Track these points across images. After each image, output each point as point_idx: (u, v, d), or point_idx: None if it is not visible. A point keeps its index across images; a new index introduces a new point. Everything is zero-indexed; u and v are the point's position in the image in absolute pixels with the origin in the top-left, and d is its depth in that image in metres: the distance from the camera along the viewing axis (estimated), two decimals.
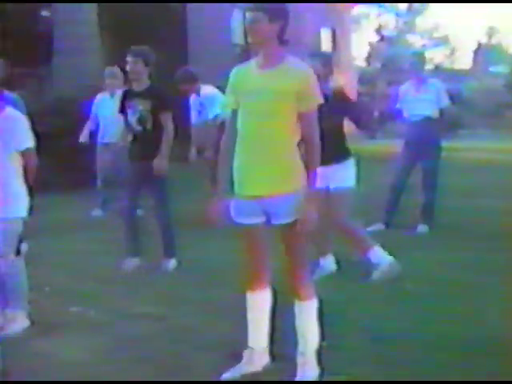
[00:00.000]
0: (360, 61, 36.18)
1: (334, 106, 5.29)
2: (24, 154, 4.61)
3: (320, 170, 5.09)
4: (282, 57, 3.56)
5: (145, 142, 6.05)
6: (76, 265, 6.41)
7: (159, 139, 6.00)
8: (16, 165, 4.61)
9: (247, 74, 3.64)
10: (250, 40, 3.56)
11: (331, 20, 18.94)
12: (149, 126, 6.04)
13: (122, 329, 4.66)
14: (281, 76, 3.52)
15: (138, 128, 6.08)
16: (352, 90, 17.55)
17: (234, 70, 3.71)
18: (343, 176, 5.52)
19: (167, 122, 6.04)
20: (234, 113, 3.65)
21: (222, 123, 7.61)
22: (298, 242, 3.59)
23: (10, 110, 4.67)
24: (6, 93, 4.83)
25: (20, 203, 4.64)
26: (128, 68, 6.10)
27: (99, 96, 8.99)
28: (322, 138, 4.98)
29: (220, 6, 14.16)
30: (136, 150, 6.15)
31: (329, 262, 5.78)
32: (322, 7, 17.77)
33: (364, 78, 27.80)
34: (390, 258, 5.60)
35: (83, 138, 8.90)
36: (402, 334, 4.28)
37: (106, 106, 8.61)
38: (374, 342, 4.16)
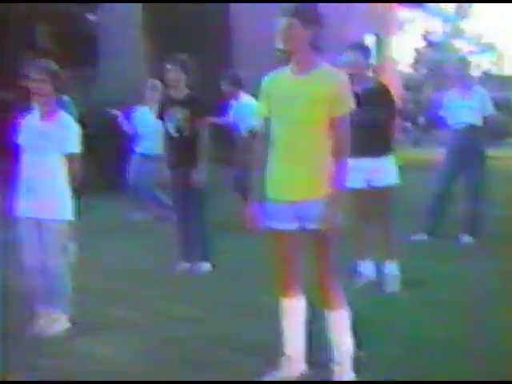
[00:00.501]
0: (405, 67, 35.86)
1: (376, 99, 5.29)
2: (69, 158, 4.69)
3: (361, 165, 5.05)
4: (315, 63, 3.56)
5: (183, 149, 6.15)
6: (118, 267, 6.49)
7: (197, 146, 6.09)
8: (63, 168, 4.70)
9: (280, 81, 3.64)
10: (283, 46, 3.55)
11: (375, 25, 18.82)
12: (186, 133, 6.14)
13: (161, 330, 4.71)
14: (314, 82, 3.51)
15: (176, 135, 6.17)
16: (396, 96, 17.38)
17: (267, 77, 3.71)
18: (385, 173, 5.48)
19: (203, 130, 6.12)
20: (267, 119, 3.66)
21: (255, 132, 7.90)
22: (326, 249, 3.57)
23: (61, 115, 4.77)
24: (60, 97, 4.92)
25: (67, 206, 4.73)
26: (167, 75, 6.19)
27: (139, 109, 9.11)
28: (361, 130, 5.06)
29: (264, 9, 14.18)
30: (174, 156, 6.25)
31: (368, 269, 5.71)
32: (366, 12, 17.67)
33: (409, 84, 27.56)
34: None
35: (128, 128, 9.07)
36: (441, 344, 4.24)
37: (145, 119, 8.77)
38: (412, 351, 4.12)
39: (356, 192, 5.34)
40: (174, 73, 6.13)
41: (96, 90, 11.59)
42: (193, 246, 6.32)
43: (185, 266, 6.29)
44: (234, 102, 8.22)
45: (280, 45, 3.57)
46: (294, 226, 3.60)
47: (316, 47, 3.55)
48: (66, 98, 6.53)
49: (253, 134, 7.43)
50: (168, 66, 6.17)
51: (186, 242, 6.34)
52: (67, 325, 4.75)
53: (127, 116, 9.25)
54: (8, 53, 14.63)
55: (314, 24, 3.52)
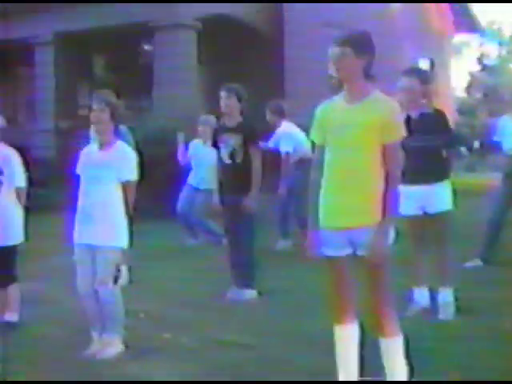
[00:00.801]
0: (460, 91, 35.46)
1: (432, 124, 5.27)
2: (126, 185, 4.81)
3: (416, 191, 5.01)
4: (367, 91, 3.60)
5: (235, 176, 6.23)
6: (170, 292, 6.55)
7: (249, 173, 6.17)
8: (120, 196, 4.81)
9: (334, 109, 3.69)
10: (336, 75, 3.60)
11: (430, 49, 18.70)
12: (239, 160, 6.21)
13: (212, 356, 4.73)
14: (366, 110, 3.55)
15: (229, 161, 6.26)
16: (450, 120, 17.19)
17: (321, 106, 3.77)
18: (440, 199, 5.41)
19: (256, 157, 6.20)
20: (321, 147, 3.70)
21: (300, 160, 8.03)
22: (381, 275, 3.57)
23: (119, 144, 4.90)
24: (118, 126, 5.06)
25: (122, 233, 4.82)
26: (221, 103, 6.31)
27: (194, 142, 9.24)
28: (417, 156, 5.02)
29: (317, 36, 14.28)
30: (227, 183, 6.34)
31: (422, 296, 5.61)
32: (421, 36, 17.59)
33: (463, 109, 27.23)
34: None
35: (183, 159, 9.22)
36: (496, 373, 4.13)
37: (198, 153, 8.91)
38: (467, 379, 4.04)
39: (411, 219, 5.32)
40: (227, 101, 6.25)
41: (151, 119, 11.80)
42: (241, 273, 6.35)
43: (235, 291, 6.32)
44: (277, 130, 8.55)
45: (333, 73, 3.61)
46: (347, 252, 3.62)
47: (369, 75, 3.60)
48: (123, 127, 6.69)
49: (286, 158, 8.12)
50: (222, 94, 6.29)
51: (236, 267, 6.38)
52: (120, 348, 4.82)
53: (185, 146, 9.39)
54: (68, 83, 15.05)
55: (366, 52, 3.57)
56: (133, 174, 4.84)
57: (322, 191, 3.67)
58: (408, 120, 5.16)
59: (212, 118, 8.85)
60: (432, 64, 18.90)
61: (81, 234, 4.83)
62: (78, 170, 4.95)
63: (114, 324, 4.83)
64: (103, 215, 4.75)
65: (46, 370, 4.55)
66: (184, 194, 9.13)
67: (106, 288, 4.77)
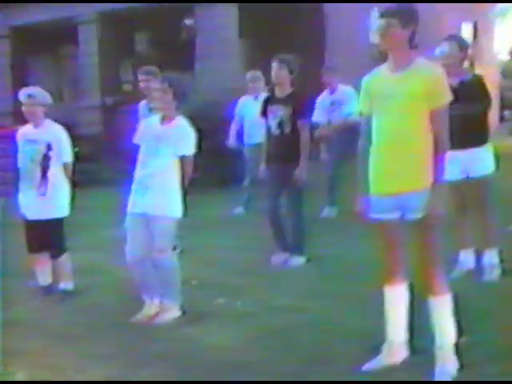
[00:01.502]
0: (504, 54, 34.79)
1: (472, 91, 5.31)
2: (184, 160, 4.99)
3: (458, 157, 5.10)
4: (412, 59, 3.70)
5: (282, 146, 6.34)
6: (221, 259, 6.73)
7: (296, 143, 6.28)
8: (177, 168, 4.99)
9: (379, 79, 3.80)
10: (382, 45, 3.72)
11: (473, 13, 18.40)
12: (287, 130, 6.31)
13: (265, 319, 4.90)
14: (411, 78, 3.66)
15: (277, 132, 6.36)
16: (493, 84, 16.97)
17: (366, 76, 3.88)
18: (482, 163, 5.50)
19: (304, 128, 6.30)
20: (369, 116, 3.82)
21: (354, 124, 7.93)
22: (430, 237, 3.69)
23: (180, 120, 5.07)
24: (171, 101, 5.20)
25: (177, 204, 5.00)
26: (273, 73, 6.41)
27: (243, 99, 9.33)
28: (457, 122, 5.07)
29: (357, 5, 14.21)
30: (274, 152, 6.45)
31: (468, 258, 5.70)
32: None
33: (507, 72, 26.74)
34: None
35: (231, 142, 9.33)
36: None
37: (251, 109, 8.89)
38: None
39: (454, 183, 5.38)
40: (278, 71, 6.34)
41: (194, 94, 11.94)
42: (285, 239, 6.48)
43: (281, 257, 6.46)
44: (321, 97, 8.62)
45: (379, 44, 3.71)
46: (396, 215, 3.74)
47: (413, 44, 3.70)
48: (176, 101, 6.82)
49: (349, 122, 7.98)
50: (273, 65, 6.38)
51: (278, 234, 6.51)
52: (177, 314, 5.02)
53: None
54: (111, 60, 15.29)
55: (411, 23, 3.67)
56: (190, 150, 5.01)
57: (370, 158, 3.78)
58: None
59: (259, 74, 8.90)
60: (475, 28, 18.61)
61: (135, 203, 5.01)
62: (137, 140, 5.13)
63: (171, 290, 5.03)
64: (160, 186, 4.93)
65: (103, 334, 4.80)
66: (246, 157, 9.16)
67: (165, 255, 4.95)
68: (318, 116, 8.52)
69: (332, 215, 8.50)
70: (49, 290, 5.89)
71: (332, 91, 8.67)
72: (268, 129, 6.50)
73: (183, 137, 5.00)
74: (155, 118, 5.17)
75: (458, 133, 5.16)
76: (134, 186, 5.06)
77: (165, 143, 4.95)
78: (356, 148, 3.97)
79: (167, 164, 4.96)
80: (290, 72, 6.33)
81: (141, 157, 5.06)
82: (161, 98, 5.04)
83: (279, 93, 6.43)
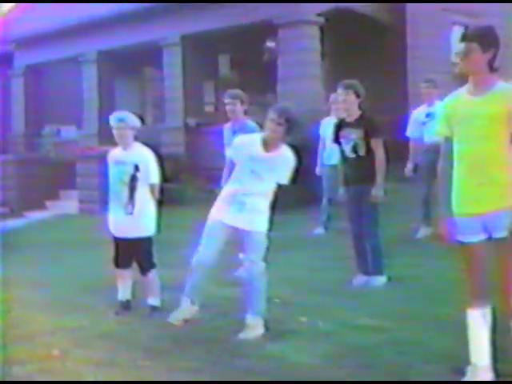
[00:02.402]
0: None
1: None
2: (278, 186, 5.21)
3: None
4: (493, 83, 3.74)
5: (359, 168, 6.46)
6: (302, 278, 6.84)
7: (372, 164, 6.37)
8: (273, 193, 5.20)
9: (459, 102, 3.85)
10: (462, 68, 3.78)
11: None
12: (362, 152, 6.43)
13: (347, 338, 4.96)
14: (491, 101, 3.69)
15: (352, 155, 6.47)
16: None
17: (447, 99, 3.94)
18: None
19: (378, 148, 6.37)
20: (449, 139, 3.87)
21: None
22: None
23: (284, 149, 5.16)
24: (247, 121, 5.35)
25: (264, 219, 5.19)
26: (340, 100, 6.54)
27: (325, 120, 9.45)
28: None
29: (437, 23, 14.14)
30: (351, 175, 6.56)
31: None
32: None
33: None
34: None
35: (318, 170, 9.47)
36: None
37: (331, 130, 8.99)
38: None
39: None
40: (345, 97, 6.49)
41: None
42: (367, 261, 6.53)
43: (362, 279, 6.51)
44: (416, 112, 8.62)
45: (460, 67, 3.77)
46: (482, 237, 3.76)
47: (493, 68, 3.74)
48: (251, 122, 6.98)
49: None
50: (339, 91, 6.52)
51: (361, 256, 6.57)
52: (262, 331, 5.12)
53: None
54: (195, 82, 15.66)
55: (492, 46, 3.72)
56: (287, 178, 5.19)
57: (454, 181, 3.82)
58: None
59: None
60: None
61: (228, 215, 5.17)
62: (235, 157, 5.29)
63: (258, 304, 5.13)
64: (257, 205, 5.13)
65: (190, 349, 4.93)
66: (325, 177, 9.29)
67: (257, 266, 5.14)
68: (411, 130, 8.55)
69: (427, 235, 8.28)
70: (127, 305, 6.11)
71: (429, 104, 8.54)
72: (342, 152, 6.61)
73: (285, 168, 5.14)
74: (258, 141, 5.15)
75: None
76: (226, 199, 5.21)
77: (269, 172, 5.10)
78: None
79: (267, 188, 5.15)
80: (357, 96, 6.43)
81: (238, 173, 5.21)
82: (275, 131, 5.05)
83: (348, 117, 6.56)
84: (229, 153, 5.95)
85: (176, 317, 5.28)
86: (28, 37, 17.92)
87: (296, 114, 5.20)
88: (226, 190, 5.28)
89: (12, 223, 13.71)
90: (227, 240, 5.22)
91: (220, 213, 5.23)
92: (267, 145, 5.12)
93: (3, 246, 10.21)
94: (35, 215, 14.98)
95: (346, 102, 6.52)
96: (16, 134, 19.70)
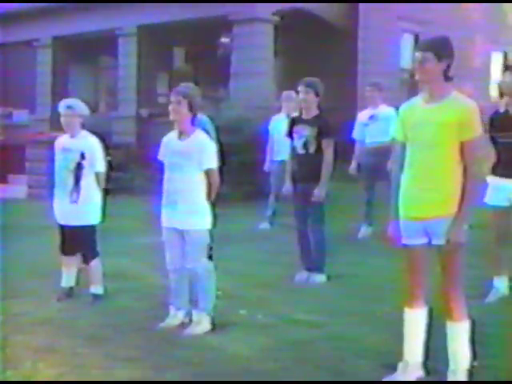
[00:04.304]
0: None
1: None
2: (208, 173, 5.13)
3: (504, 184, 5.23)
4: (447, 92, 3.88)
5: (307, 165, 6.56)
6: (245, 272, 6.92)
7: (320, 163, 6.49)
8: (202, 182, 5.14)
9: (414, 109, 3.99)
10: (417, 77, 3.90)
11: (503, 42, 18.43)
12: (312, 150, 6.54)
13: (284, 332, 5.07)
14: (444, 110, 3.83)
15: (302, 152, 6.59)
16: None
17: (403, 106, 4.08)
18: None
19: (328, 148, 6.51)
20: (403, 144, 4.01)
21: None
22: (452, 263, 3.86)
23: (198, 133, 5.21)
24: (198, 115, 5.39)
25: (205, 216, 5.17)
26: (300, 97, 6.63)
27: (275, 117, 9.57)
28: (506, 150, 5.26)
29: (388, 29, 14.41)
30: (299, 172, 6.68)
31: (502, 284, 5.75)
32: (493, 29, 17.37)
33: None
34: None
35: (267, 167, 9.57)
36: None
37: (280, 126, 9.11)
38: None
39: (498, 210, 5.55)
40: (305, 95, 6.57)
41: (227, 109, 12.20)
42: (310, 257, 6.67)
43: (304, 274, 6.65)
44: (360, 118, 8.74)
45: (415, 75, 3.90)
46: (423, 241, 3.91)
47: (448, 76, 3.87)
48: (203, 116, 7.03)
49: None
50: (300, 89, 6.61)
51: (304, 253, 6.70)
52: (208, 328, 5.14)
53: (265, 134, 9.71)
54: (149, 72, 15.64)
55: (447, 56, 3.85)
56: (213, 163, 5.14)
57: (402, 184, 3.97)
58: (499, 116, 5.47)
59: (293, 93, 9.07)
60: (505, 57, 18.63)
61: (168, 219, 5.20)
62: (161, 157, 5.29)
63: (204, 300, 5.17)
64: (187, 201, 5.09)
65: (130, 337, 5.01)
66: (275, 172, 9.31)
67: (198, 264, 5.12)
68: (356, 132, 8.74)
69: (367, 235, 8.52)
70: (70, 293, 6.15)
71: (374, 107, 8.70)
72: (293, 148, 6.72)
73: (204, 151, 5.11)
74: (173, 134, 5.24)
75: (505, 161, 5.36)
76: (163, 201, 5.24)
77: (186, 159, 5.07)
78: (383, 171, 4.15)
79: (191, 179, 5.08)
80: (317, 95, 6.55)
81: (166, 172, 5.20)
82: (175, 112, 5.09)
83: (305, 115, 6.65)
84: None
85: (165, 324, 5.26)
86: None
87: (193, 90, 5.28)
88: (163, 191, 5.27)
89: None
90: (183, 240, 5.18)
91: (162, 217, 5.26)
92: (181, 133, 5.15)
93: None
94: None
95: (305, 100, 6.59)
96: None
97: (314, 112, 6.60)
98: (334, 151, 6.57)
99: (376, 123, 8.52)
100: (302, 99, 6.62)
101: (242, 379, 4.19)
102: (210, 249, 5.24)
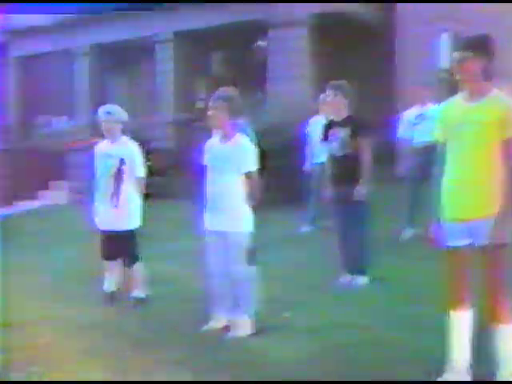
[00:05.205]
0: None
1: None
2: (247, 176, 5.14)
3: None
4: (486, 90, 3.82)
5: (345, 167, 6.53)
6: (288, 275, 6.91)
7: (359, 164, 6.47)
8: (242, 186, 5.15)
9: (454, 108, 3.95)
10: (457, 77, 3.86)
11: None
12: (349, 151, 6.51)
13: (327, 335, 5.02)
14: (484, 108, 3.78)
15: (340, 154, 6.57)
16: None
17: (442, 105, 4.06)
18: None
19: (365, 148, 6.47)
20: (443, 144, 3.97)
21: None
22: (496, 264, 3.79)
23: (238, 137, 5.23)
24: (238, 119, 5.41)
25: (247, 219, 5.18)
26: (329, 100, 6.63)
27: (313, 119, 9.53)
28: None
29: (426, 29, 14.24)
30: (337, 174, 6.64)
31: None
32: None
33: None
34: None
35: (307, 169, 9.55)
36: None
37: (319, 129, 9.07)
38: None
39: None
40: (334, 98, 6.58)
41: (265, 113, 12.19)
42: (352, 260, 6.62)
43: (346, 277, 6.60)
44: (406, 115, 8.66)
45: (456, 76, 3.85)
46: (466, 242, 3.85)
47: (488, 76, 3.82)
48: (242, 120, 7.04)
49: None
50: (328, 92, 6.62)
51: (346, 255, 6.65)
52: (249, 331, 5.13)
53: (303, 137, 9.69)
54: (186, 78, 15.72)
55: (487, 55, 3.80)
56: (253, 166, 5.16)
57: (444, 185, 3.92)
58: None
59: None
60: None
61: (211, 222, 5.22)
62: (204, 161, 5.33)
63: (246, 304, 5.16)
64: (228, 204, 5.12)
65: (171, 341, 5.04)
66: (314, 176, 9.30)
67: (240, 267, 5.12)
68: (402, 131, 8.65)
69: (409, 237, 8.35)
70: (113, 297, 6.19)
71: (421, 105, 8.57)
72: (330, 151, 6.71)
73: (244, 154, 5.13)
74: (215, 138, 5.30)
75: None
76: (206, 204, 5.26)
77: (227, 162, 5.11)
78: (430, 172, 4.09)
79: (232, 182, 5.11)
80: (345, 96, 6.54)
81: (208, 176, 5.24)
82: (215, 116, 5.14)
83: (337, 117, 6.66)
84: None
85: (208, 327, 5.26)
86: (22, 28, 17.92)
87: (233, 94, 5.28)
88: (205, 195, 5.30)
89: (1, 212, 13.75)
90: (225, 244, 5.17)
91: (206, 220, 5.28)
92: (222, 137, 5.20)
93: None
94: (25, 205, 15.01)
95: (333, 103, 6.62)
96: (8, 124, 19.67)
97: (345, 113, 6.59)
98: (371, 151, 6.51)
99: (424, 122, 8.38)
100: (331, 102, 6.64)
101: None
102: (253, 252, 5.22)
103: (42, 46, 18.05)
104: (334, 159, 6.67)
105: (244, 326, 5.14)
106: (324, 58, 14.52)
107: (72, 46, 17.27)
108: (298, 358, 4.60)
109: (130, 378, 4.35)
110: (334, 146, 6.60)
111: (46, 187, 16.09)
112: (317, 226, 9.33)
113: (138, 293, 6.13)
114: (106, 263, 6.24)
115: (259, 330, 5.14)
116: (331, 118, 6.95)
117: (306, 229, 9.45)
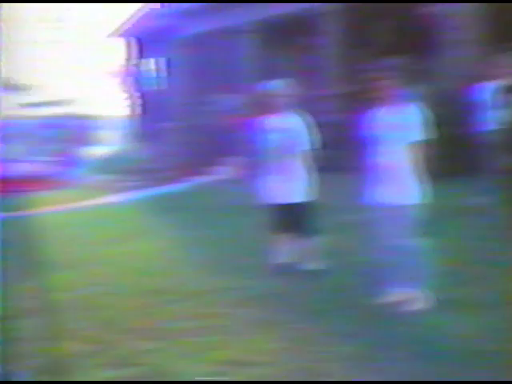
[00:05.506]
0: None
1: None
2: (415, 146, 5.02)
3: None
4: None
5: None
6: (462, 248, 6.65)
7: None
8: (410, 156, 5.03)
9: None
10: None
11: None
12: None
13: (504, 311, 4.84)
14: None
15: None
16: None
17: None
18: None
19: None
20: None
21: None
22: None
23: (406, 105, 5.12)
24: (406, 88, 5.27)
25: (416, 191, 5.07)
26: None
27: (486, 84, 9.08)
28: None
29: None
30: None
31: None
32: None
33: None
34: None
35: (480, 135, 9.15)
36: None
37: (490, 96, 8.66)
38: None
39: None
40: None
41: (434, 81, 11.80)
42: None
43: None
44: None
45: None
46: None
47: None
48: (410, 89, 6.85)
49: None
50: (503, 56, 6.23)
51: None
52: (423, 305, 5.03)
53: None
54: (351, 50, 15.57)
55: None
56: (420, 135, 5.01)
57: None
58: None
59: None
60: None
61: (381, 194, 5.15)
62: (372, 133, 5.24)
63: (420, 277, 5.05)
64: (396, 175, 5.03)
65: (347, 313, 5.05)
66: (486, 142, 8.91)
67: (411, 240, 5.04)
68: None
69: None
70: (285, 268, 6.25)
71: None
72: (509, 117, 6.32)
73: (412, 123, 5.02)
74: (381, 109, 5.19)
75: None
76: (374, 177, 5.20)
77: (394, 132, 5.02)
78: None
79: (400, 152, 5.01)
80: None
81: (375, 148, 5.16)
82: (381, 87, 5.07)
83: None
84: None
85: (382, 301, 5.22)
86: (190, 8, 18.58)
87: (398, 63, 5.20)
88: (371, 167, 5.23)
89: (174, 187, 14.48)
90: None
91: (375, 193, 5.21)
92: (388, 107, 5.09)
93: (166, 208, 10.85)
94: (196, 180, 15.67)
95: None
96: (179, 102, 20.53)
97: None
98: None
99: None
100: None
101: (461, 359, 4.05)
102: (426, 224, 5.09)
103: (205, 25, 18.58)
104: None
105: (419, 301, 5.05)
106: (493, 20, 13.81)
107: (234, 23, 17.62)
108: (473, 333, 4.46)
109: (304, 349, 4.41)
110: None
111: (214, 163, 16.66)
112: (490, 197, 8.90)
113: (314, 265, 6.17)
114: (278, 236, 6.33)
115: (433, 305, 5.02)
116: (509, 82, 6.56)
117: (478, 200, 9.06)
